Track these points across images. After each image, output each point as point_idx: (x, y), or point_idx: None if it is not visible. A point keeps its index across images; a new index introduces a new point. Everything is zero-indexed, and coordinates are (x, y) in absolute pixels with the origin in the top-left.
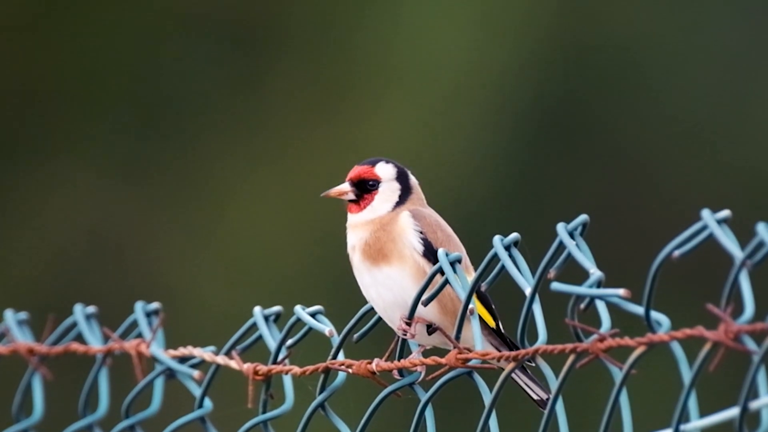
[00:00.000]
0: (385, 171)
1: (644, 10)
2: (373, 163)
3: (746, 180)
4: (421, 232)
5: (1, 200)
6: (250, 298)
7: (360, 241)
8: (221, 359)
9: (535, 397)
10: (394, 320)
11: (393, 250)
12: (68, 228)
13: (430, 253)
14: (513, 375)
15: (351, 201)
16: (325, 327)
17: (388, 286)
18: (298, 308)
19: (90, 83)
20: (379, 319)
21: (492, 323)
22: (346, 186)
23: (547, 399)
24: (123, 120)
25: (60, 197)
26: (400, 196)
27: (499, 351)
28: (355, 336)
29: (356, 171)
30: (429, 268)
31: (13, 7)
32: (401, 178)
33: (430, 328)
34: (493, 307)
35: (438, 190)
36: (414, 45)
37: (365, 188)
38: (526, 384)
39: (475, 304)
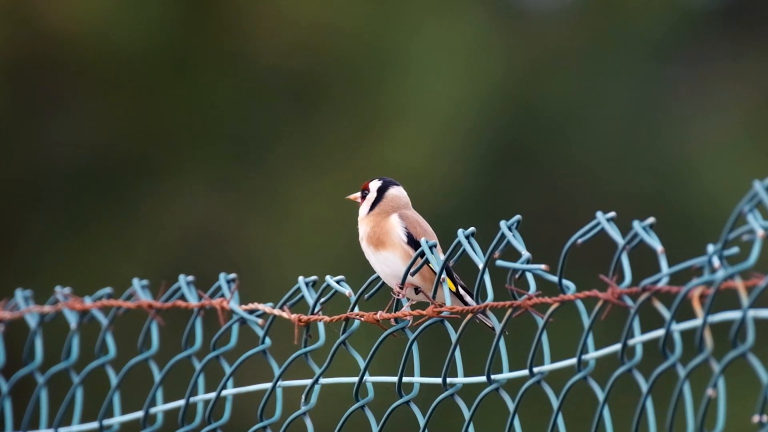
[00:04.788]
0: (373, 185)
1: (570, 83)
2: (372, 179)
3: (643, 200)
4: (405, 227)
5: (140, 206)
6: (308, 270)
7: (365, 234)
8: (277, 311)
9: (489, 325)
10: (393, 286)
11: (387, 241)
12: (184, 224)
13: (412, 241)
14: (476, 317)
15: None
16: (346, 290)
17: (386, 264)
18: (327, 277)
19: (201, 124)
20: (382, 285)
21: (453, 288)
22: (357, 193)
23: (493, 327)
24: (223, 149)
25: (178, 203)
26: (372, 203)
27: (464, 305)
28: (366, 296)
29: (364, 183)
30: (412, 252)
31: (144, 73)
32: (380, 190)
33: (417, 290)
34: (455, 276)
35: (431, 194)
36: (419, 94)
37: (364, 195)
38: (482, 321)
39: (446, 276)
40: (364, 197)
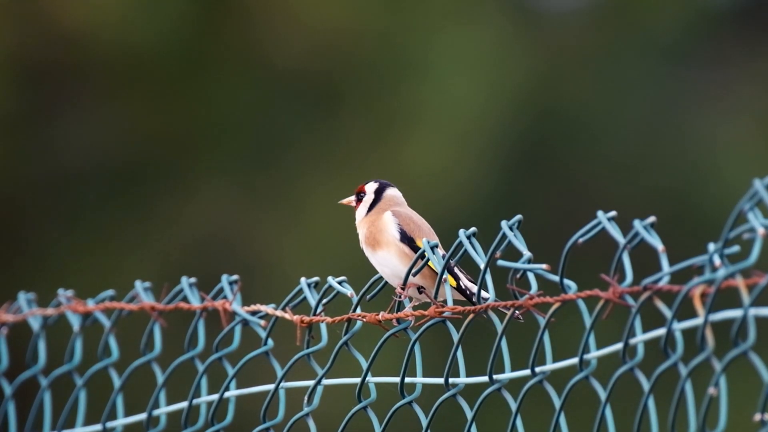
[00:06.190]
0: (369, 188)
1: (589, 85)
2: (367, 182)
3: (660, 197)
4: (398, 224)
5: (153, 208)
6: (322, 272)
7: (362, 236)
8: (279, 312)
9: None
10: (394, 285)
11: (382, 240)
12: (197, 226)
13: (405, 238)
14: (482, 315)
15: (354, 206)
16: (348, 290)
17: (385, 264)
18: (329, 278)
19: (216, 126)
20: (383, 286)
21: (454, 283)
22: (351, 197)
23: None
24: (238, 152)
25: (192, 206)
26: (370, 205)
27: (464, 305)
28: (368, 297)
29: (359, 186)
30: (407, 250)
31: (158, 74)
32: (377, 192)
33: (420, 290)
34: (456, 271)
35: (449, 198)
36: (437, 97)
37: (360, 198)
38: (488, 317)
39: (447, 276)
40: (359, 200)
